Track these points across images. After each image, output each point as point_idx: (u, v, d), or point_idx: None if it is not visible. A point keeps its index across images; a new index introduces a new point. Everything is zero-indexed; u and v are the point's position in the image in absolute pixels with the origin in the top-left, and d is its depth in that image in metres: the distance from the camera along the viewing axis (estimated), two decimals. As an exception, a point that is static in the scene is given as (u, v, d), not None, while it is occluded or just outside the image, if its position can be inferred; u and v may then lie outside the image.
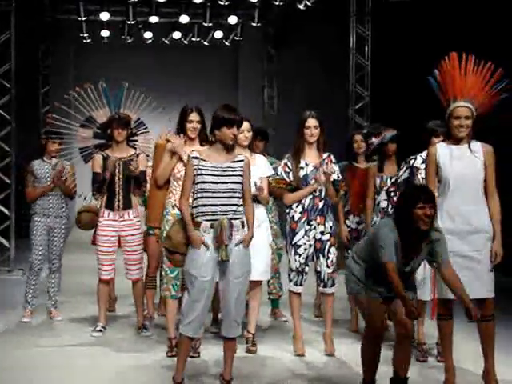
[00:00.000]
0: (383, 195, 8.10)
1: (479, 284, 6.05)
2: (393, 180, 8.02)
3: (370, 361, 5.89)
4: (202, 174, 5.93)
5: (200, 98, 9.45)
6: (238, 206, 5.98)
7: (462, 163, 6.15)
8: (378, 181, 8.14)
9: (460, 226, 6.11)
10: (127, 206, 8.26)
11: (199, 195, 5.93)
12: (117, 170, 8.19)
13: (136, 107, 9.37)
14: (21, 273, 12.46)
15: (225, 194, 5.92)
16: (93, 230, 8.55)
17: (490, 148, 6.20)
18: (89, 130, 9.26)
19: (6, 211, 13.14)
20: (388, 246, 5.63)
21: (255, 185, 7.30)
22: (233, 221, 5.92)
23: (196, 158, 6.00)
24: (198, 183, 5.94)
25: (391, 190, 8.06)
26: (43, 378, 6.62)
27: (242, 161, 6.05)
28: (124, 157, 8.26)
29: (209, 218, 5.90)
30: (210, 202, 5.90)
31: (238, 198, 5.98)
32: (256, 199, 7.41)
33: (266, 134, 9.18)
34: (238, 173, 5.99)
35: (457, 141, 6.19)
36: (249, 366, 7.08)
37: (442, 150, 6.23)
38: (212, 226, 5.88)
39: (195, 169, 5.96)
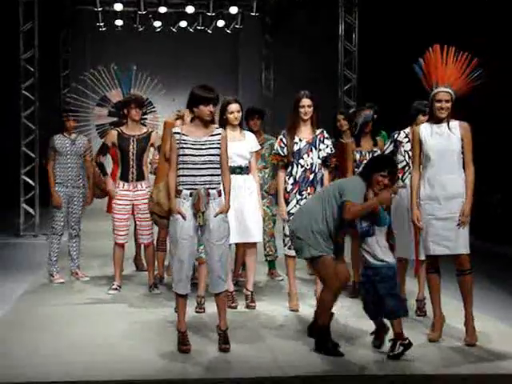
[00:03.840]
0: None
1: (455, 242, 6.29)
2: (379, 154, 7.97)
3: (330, 308, 6.13)
4: (182, 148, 5.99)
5: (204, 81, 9.31)
6: (215, 175, 6.04)
7: (440, 139, 6.36)
8: (357, 155, 8.07)
9: (438, 192, 6.35)
10: (140, 177, 8.27)
11: (180, 166, 6.00)
12: (131, 146, 8.20)
13: (144, 88, 9.34)
14: (44, 237, 12.46)
15: (203, 166, 5.98)
16: (106, 200, 8.59)
17: (467, 125, 6.39)
18: (104, 109, 9.25)
19: (31, 182, 13.17)
20: (356, 193, 5.95)
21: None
22: (210, 190, 5.99)
23: (177, 133, 6.06)
24: (179, 156, 6.00)
25: None
26: (67, 331, 6.65)
27: (219, 134, 6.10)
28: (138, 134, 8.27)
29: (188, 186, 5.98)
30: (190, 172, 5.98)
31: (216, 168, 6.05)
32: (246, 170, 7.46)
33: (263, 112, 9.15)
34: (215, 145, 6.04)
35: (438, 121, 6.39)
36: (245, 319, 7.13)
37: (425, 128, 6.45)
38: (191, 195, 5.95)
39: (178, 143, 6.01)
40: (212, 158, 6.01)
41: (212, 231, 6.01)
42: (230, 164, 7.31)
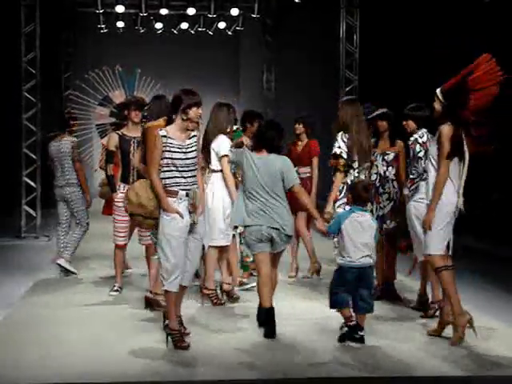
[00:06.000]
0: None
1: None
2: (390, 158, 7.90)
3: None
4: (170, 151, 6.12)
5: (205, 83, 9.34)
6: (195, 176, 6.23)
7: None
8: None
9: None
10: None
11: (171, 168, 6.13)
12: (131, 148, 8.19)
13: (147, 91, 9.36)
14: (46, 239, 12.49)
15: (189, 168, 6.17)
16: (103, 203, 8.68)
17: (443, 127, 6.21)
18: (106, 109, 9.29)
19: (32, 184, 13.16)
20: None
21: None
22: (196, 190, 6.18)
23: (164, 136, 6.15)
24: (167, 158, 6.11)
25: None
26: (67, 332, 6.64)
27: (195, 136, 6.26)
28: (138, 136, 8.24)
29: (182, 187, 6.12)
30: (180, 174, 6.13)
31: (196, 169, 6.25)
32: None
33: (262, 116, 9.05)
34: (194, 148, 6.22)
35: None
36: (240, 318, 7.21)
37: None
38: (187, 195, 6.10)
39: (164, 145, 6.10)
40: (194, 160, 6.21)
41: (198, 228, 6.21)
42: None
